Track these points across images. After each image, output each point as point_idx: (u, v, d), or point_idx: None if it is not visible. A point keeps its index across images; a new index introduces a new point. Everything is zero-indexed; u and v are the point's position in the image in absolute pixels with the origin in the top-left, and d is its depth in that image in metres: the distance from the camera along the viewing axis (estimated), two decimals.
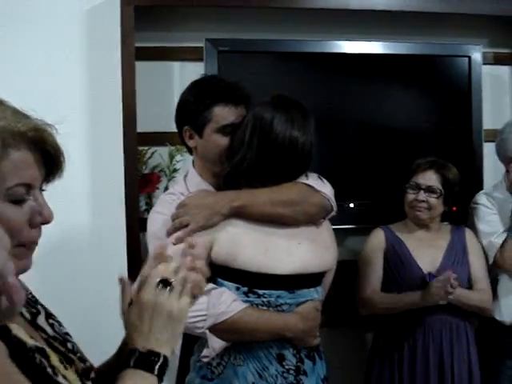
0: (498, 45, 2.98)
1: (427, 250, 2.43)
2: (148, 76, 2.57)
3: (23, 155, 0.95)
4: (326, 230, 1.87)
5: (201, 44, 2.54)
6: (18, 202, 0.95)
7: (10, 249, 0.80)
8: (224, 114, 1.86)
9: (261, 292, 1.70)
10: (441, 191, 2.39)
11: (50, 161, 1.01)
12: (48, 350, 0.95)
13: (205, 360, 1.70)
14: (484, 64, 2.82)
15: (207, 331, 1.68)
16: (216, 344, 1.68)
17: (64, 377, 0.94)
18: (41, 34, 2.52)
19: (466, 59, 2.78)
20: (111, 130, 2.46)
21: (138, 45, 2.48)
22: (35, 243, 1.00)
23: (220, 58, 2.52)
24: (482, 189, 2.71)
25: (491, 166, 2.82)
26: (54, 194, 1.06)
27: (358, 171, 2.75)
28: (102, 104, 2.57)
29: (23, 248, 0.97)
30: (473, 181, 2.72)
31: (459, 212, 2.54)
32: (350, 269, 2.50)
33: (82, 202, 2.59)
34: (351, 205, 2.70)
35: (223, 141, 1.87)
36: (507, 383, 2.48)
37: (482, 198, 2.55)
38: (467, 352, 2.37)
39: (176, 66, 2.67)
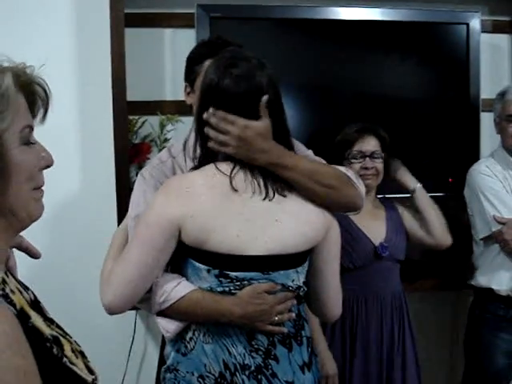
0: (497, 12, 2.94)
1: (372, 222, 2.39)
2: (138, 43, 2.52)
3: (22, 99, 0.96)
4: (312, 201, 1.65)
5: (192, 10, 2.48)
6: (28, 143, 0.95)
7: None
8: None
9: (233, 275, 1.57)
10: (382, 155, 2.37)
11: (36, 102, 1.00)
12: (62, 339, 0.95)
13: (168, 335, 1.66)
14: (482, 32, 2.78)
15: (156, 317, 1.65)
16: (170, 325, 1.64)
17: (75, 365, 0.95)
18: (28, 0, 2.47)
19: (465, 27, 2.74)
20: (100, 99, 2.43)
21: (127, 11, 2.42)
22: (42, 188, 1.00)
23: (212, 25, 2.47)
24: (478, 158, 2.69)
25: (488, 135, 2.79)
26: None
27: None
28: (91, 72, 2.53)
29: (38, 191, 0.98)
30: (470, 150, 2.70)
31: (455, 183, 2.51)
32: None
33: (73, 173, 2.57)
34: None
35: None
36: (502, 356, 2.48)
37: (481, 166, 2.53)
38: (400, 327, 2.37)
39: (167, 32, 2.62)
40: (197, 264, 1.59)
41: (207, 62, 1.75)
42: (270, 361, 1.60)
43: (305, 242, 1.62)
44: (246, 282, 1.57)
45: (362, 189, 1.78)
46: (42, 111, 1.01)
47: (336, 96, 2.70)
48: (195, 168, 1.62)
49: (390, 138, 2.58)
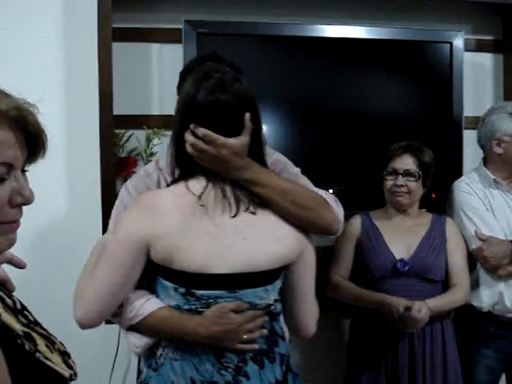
0: (480, 32, 2.98)
1: (403, 237, 2.42)
2: (125, 57, 2.53)
3: (4, 135, 0.95)
4: (285, 219, 1.62)
5: (179, 26, 2.50)
6: (1, 180, 0.95)
7: None
8: None
9: (198, 293, 1.56)
10: (418, 174, 2.39)
11: (32, 141, 1.00)
12: (34, 334, 0.95)
13: (136, 351, 1.67)
14: (466, 51, 2.81)
15: (126, 332, 1.67)
16: (137, 341, 1.65)
17: (50, 360, 0.95)
18: (16, 13, 2.48)
19: (448, 45, 2.77)
20: (87, 112, 2.44)
21: (115, 25, 2.44)
22: (16, 222, 1.00)
23: (199, 40, 2.49)
24: (461, 174, 2.71)
25: (470, 153, 2.82)
26: (29, 176, 1.04)
27: (339, 156, 2.75)
28: (78, 85, 2.54)
29: (5, 225, 0.98)
30: (452, 168, 2.73)
31: (438, 198, 2.53)
32: (329, 255, 2.52)
33: (58, 186, 2.57)
34: (330, 190, 2.68)
35: None
36: (483, 372, 2.49)
37: (462, 184, 2.55)
38: (442, 348, 2.36)
39: (154, 47, 2.64)
40: (164, 282, 1.59)
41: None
42: (240, 377, 1.58)
43: (275, 261, 1.59)
44: (212, 301, 1.56)
45: (340, 213, 1.75)
46: (40, 149, 1.02)
47: (322, 113, 2.72)
48: (172, 183, 1.63)
49: (374, 154, 2.62)
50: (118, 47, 2.47)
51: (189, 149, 1.55)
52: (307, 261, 1.67)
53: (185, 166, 1.60)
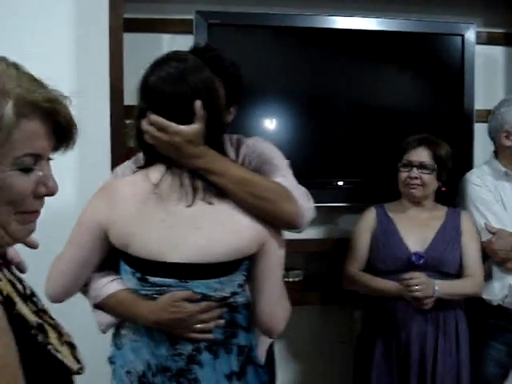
0: (492, 25, 2.96)
1: (418, 230, 2.43)
2: (136, 48, 2.52)
3: (35, 126, 0.96)
4: (244, 211, 1.59)
5: (191, 16, 2.50)
6: (25, 170, 0.96)
7: None
8: None
9: (151, 280, 1.58)
10: (433, 167, 2.39)
11: (62, 132, 1.01)
12: (46, 325, 0.96)
13: (101, 328, 1.72)
14: (477, 44, 2.80)
15: (93, 310, 1.72)
16: (102, 319, 1.70)
17: (60, 353, 0.96)
18: (28, 3, 2.47)
19: (460, 38, 2.76)
20: (98, 102, 2.43)
21: (126, 16, 2.44)
22: (37, 212, 1.01)
23: (210, 31, 2.48)
24: (471, 168, 2.71)
25: (481, 146, 2.81)
26: None
27: (349, 149, 2.74)
28: (89, 76, 2.53)
29: (26, 215, 0.99)
30: (463, 161, 2.72)
31: (448, 192, 2.52)
32: (344, 247, 2.54)
33: (69, 176, 2.57)
34: (340, 183, 2.69)
35: None
36: (492, 365, 2.50)
37: (472, 176, 2.55)
38: (455, 343, 2.37)
39: (165, 38, 2.63)
40: (124, 265, 1.63)
41: None
42: (193, 366, 1.60)
43: (230, 252, 1.57)
44: (164, 289, 1.58)
45: (307, 207, 1.71)
46: (67, 142, 1.03)
47: (333, 105, 2.72)
48: (138, 169, 1.66)
49: (385, 147, 2.62)
50: (129, 38, 2.46)
51: (146, 136, 1.57)
52: (270, 255, 1.63)
53: (147, 154, 1.63)
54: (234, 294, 1.62)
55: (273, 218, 1.64)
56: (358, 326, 2.60)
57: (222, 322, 1.62)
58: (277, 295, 1.68)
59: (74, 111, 2.45)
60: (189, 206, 1.55)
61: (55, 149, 1.03)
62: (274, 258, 1.64)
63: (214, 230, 1.56)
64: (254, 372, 1.69)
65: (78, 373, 1.00)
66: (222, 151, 1.64)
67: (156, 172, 1.59)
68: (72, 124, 1.02)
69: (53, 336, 0.97)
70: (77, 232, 1.65)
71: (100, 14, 2.39)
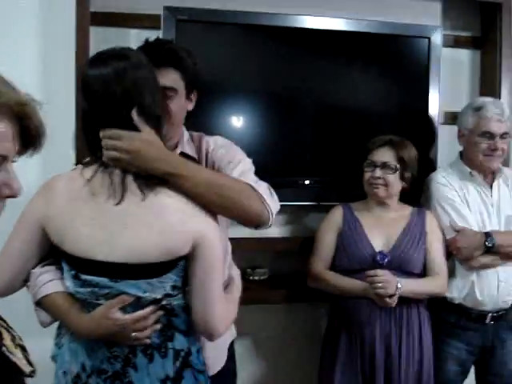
0: (459, 28, 3.00)
1: (383, 229, 2.45)
2: (103, 42, 2.47)
3: (3, 128, 0.96)
4: (174, 211, 1.55)
5: (159, 12, 2.48)
6: None
7: None
8: None
9: (83, 277, 1.58)
10: (396, 167, 2.41)
11: (29, 136, 1.01)
12: (1, 328, 0.95)
13: (42, 325, 1.71)
14: (443, 46, 2.83)
15: (34, 306, 1.71)
16: (43, 318, 1.69)
17: (14, 355, 0.96)
18: None
19: (426, 40, 2.79)
20: (65, 97, 2.39)
21: (93, 10, 2.42)
22: None
23: (178, 27, 2.46)
24: (435, 169, 2.74)
25: (446, 147, 2.85)
26: None
27: (316, 148, 2.75)
28: (56, 70, 2.49)
29: None
30: (427, 162, 2.75)
31: (412, 192, 2.55)
32: (310, 246, 2.55)
33: (33, 175, 2.52)
34: (306, 181, 2.70)
35: None
36: (453, 363, 2.53)
37: (438, 175, 2.59)
38: (419, 338, 2.40)
39: (132, 33, 2.61)
40: (62, 262, 1.64)
41: None
42: (128, 368, 1.60)
43: (157, 254, 1.54)
44: (96, 289, 1.57)
45: (273, 205, 1.71)
46: (34, 145, 1.03)
47: (299, 104, 2.72)
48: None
49: (350, 147, 2.64)
50: (95, 32, 2.44)
51: (104, 153, 1.55)
52: (204, 257, 1.57)
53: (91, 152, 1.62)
54: (167, 296, 1.59)
55: (240, 217, 1.66)
56: (323, 325, 2.61)
57: (158, 326, 1.61)
58: (213, 297, 1.60)
59: (40, 105, 2.41)
60: (117, 204, 1.53)
61: (20, 152, 1.03)
62: (210, 259, 1.58)
63: (140, 230, 1.52)
64: (191, 377, 1.66)
65: (30, 375, 0.99)
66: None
67: (90, 169, 1.58)
68: (41, 129, 1.02)
69: (7, 337, 0.96)
70: (18, 227, 1.65)
71: (67, 8, 2.36)
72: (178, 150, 1.91)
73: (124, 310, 1.57)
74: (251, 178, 1.76)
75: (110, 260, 1.53)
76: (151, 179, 1.54)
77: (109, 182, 1.54)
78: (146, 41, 1.86)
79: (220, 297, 1.63)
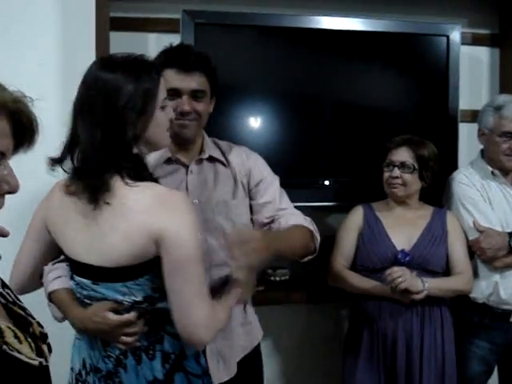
0: (477, 25, 2.99)
1: (404, 229, 2.44)
2: (122, 47, 2.46)
3: (2, 125, 0.98)
4: (137, 212, 1.50)
5: (177, 16, 2.50)
6: None
7: None
8: (169, 77, 1.82)
9: (76, 279, 1.63)
10: (414, 166, 2.40)
11: (23, 132, 1.03)
12: (3, 326, 0.95)
13: (57, 321, 1.76)
14: (462, 44, 2.81)
15: (48, 301, 1.77)
16: (55, 313, 1.75)
17: (18, 351, 0.95)
18: (13, 3, 2.46)
19: (445, 38, 2.78)
20: None
21: (112, 15, 2.44)
22: None
23: (197, 31, 2.48)
24: (456, 168, 2.73)
25: (466, 146, 2.83)
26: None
27: (335, 149, 2.76)
28: (76, 76, 2.50)
29: None
30: (448, 161, 2.73)
31: (433, 191, 2.54)
32: (330, 246, 2.54)
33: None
34: (326, 182, 2.70)
35: (169, 104, 1.85)
36: (477, 362, 2.52)
37: (460, 175, 2.57)
38: (441, 338, 2.39)
39: (151, 37, 2.63)
40: (66, 261, 1.70)
41: (165, 71, 1.77)
42: (119, 369, 1.61)
43: (126, 257, 1.51)
44: (84, 292, 1.61)
45: (317, 234, 2.04)
46: (28, 141, 1.05)
47: (318, 105, 2.72)
48: None
49: (370, 147, 2.63)
50: (115, 37, 2.46)
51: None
52: (168, 257, 1.50)
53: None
54: (149, 298, 1.57)
55: (303, 257, 2.00)
56: (345, 325, 2.61)
57: (145, 328, 1.60)
58: (187, 301, 1.51)
59: (60, 113, 2.43)
60: (93, 208, 1.51)
61: (15, 150, 1.05)
62: (174, 260, 1.49)
63: (108, 234, 1.52)
64: (183, 381, 1.63)
65: (41, 367, 0.99)
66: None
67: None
68: (35, 125, 1.03)
69: (9, 335, 0.96)
70: (29, 226, 1.74)
71: (86, 13, 2.37)
72: (206, 154, 1.98)
73: (117, 312, 1.59)
74: (288, 203, 2.07)
75: (90, 263, 1.56)
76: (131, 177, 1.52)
77: (83, 189, 1.54)
78: (171, 46, 1.94)
79: (198, 301, 1.51)
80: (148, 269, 1.53)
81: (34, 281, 1.77)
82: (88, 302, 1.63)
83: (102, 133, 1.49)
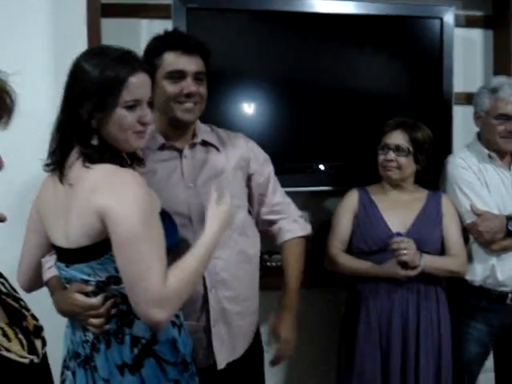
0: (471, 7, 2.97)
1: (400, 212, 2.45)
2: (114, 33, 2.49)
3: None
4: (87, 191, 1.50)
5: (169, 1, 2.47)
6: None
7: None
8: (172, 59, 1.88)
9: (57, 263, 1.66)
10: (408, 149, 2.40)
11: (2, 109, 1.02)
12: None
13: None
14: (456, 26, 2.80)
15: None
16: None
17: (7, 349, 0.94)
18: None
19: (438, 21, 2.76)
20: None
21: (103, 1, 2.42)
22: None
23: (189, 16, 2.45)
24: (451, 152, 2.73)
25: (460, 129, 2.82)
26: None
27: (330, 133, 2.74)
28: (67, 62, 2.48)
29: None
30: (442, 144, 2.72)
31: (428, 174, 2.54)
32: (326, 231, 2.56)
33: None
34: (321, 166, 2.70)
35: (170, 87, 1.89)
36: (474, 344, 2.53)
37: (456, 158, 2.56)
38: (437, 318, 2.41)
39: (143, 23, 2.60)
40: None
41: (166, 55, 1.86)
42: (94, 353, 1.61)
43: (83, 237, 1.52)
44: (61, 273, 1.65)
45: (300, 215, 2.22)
46: (6, 117, 1.03)
47: (310, 89, 2.70)
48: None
49: (364, 130, 2.63)
50: (106, 23, 2.44)
51: None
52: (113, 235, 1.47)
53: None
54: (112, 278, 1.56)
55: None
56: (341, 309, 2.61)
57: (113, 311, 1.60)
58: (132, 278, 1.47)
59: (51, 99, 2.41)
60: (64, 192, 1.56)
61: None
62: (117, 236, 1.46)
63: (67, 215, 1.55)
64: (153, 367, 1.60)
65: (31, 364, 0.98)
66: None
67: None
68: (14, 99, 1.02)
69: None
70: (28, 218, 1.76)
71: (77, 0, 2.36)
72: (199, 138, 2.00)
73: (87, 294, 1.61)
74: (283, 195, 2.20)
75: (61, 245, 1.59)
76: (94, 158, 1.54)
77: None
78: (165, 32, 1.97)
79: (144, 279, 1.45)
80: (107, 248, 1.50)
81: (40, 271, 1.79)
82: (67, 285, 1.65)
83: (62, 116, 1.56)
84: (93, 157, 1.53)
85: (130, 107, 1.55)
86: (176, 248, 1.65)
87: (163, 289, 1.45)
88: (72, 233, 1.53)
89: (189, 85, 1.88)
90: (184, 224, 1.89)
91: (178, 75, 1.88)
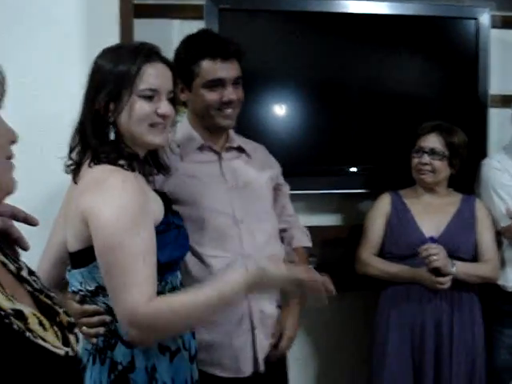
0: (506, 8, 2.91)
1: (433, 216, 2.43)
2: (146, 34, 2.47)
3: None
4: (78, 194, 1.47)
5: (201, 1, 2.47)
6: None
7: None
8: (210, 68, 1.87)
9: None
10: (443, 153, 2.38)
11: None
12: (27, 312, 0.92)
13: None
14: (492, 27, 2.76)
15: None
16: None
17: (43, 339, 0.92)
18: None
19: (474, 22, 2.72)
20: None
21: (136, 1, 2.42)
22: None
23: (221, 17, 2.46)
24: (486, 155, 2.69)
25: (496, 131, 2.78)
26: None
27: (363, 135, 2.72)
28: None
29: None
30: (477, 147, 2.68)
31: (462, 178, 2.50)
32: (358, 234, 2.55)
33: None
34: (353, 169, 2.67)
35: (210, 96, 1.89)
36: (506, 352, 2.49)
37: (492, 161, 2.53)
38: (470, 325, 2.38)
39: (175, 23, 2.60)
40: None
41: (204, 62, 1.85)
42: (88, 364, 1.54)
43: (74, 241, 1.49)
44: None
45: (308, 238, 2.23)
46: None
47: (345, 90, 2.69)
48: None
49: (398, 133, 2.59)
50: (139, 24, 2.44)
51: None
52: (96, 246, 1.41)
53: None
54: (101, 288, 1.48)
55: None
56: (373, 313, 2.59)
57: (101, 330, 1.53)
58: (111, 290, 1.42)
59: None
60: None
61: None
62: (99, 243, 1.40)
63: (67, 215, 1.53)
64: None
65: (66, 357, 0.97)
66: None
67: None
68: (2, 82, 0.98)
69: (33, 321, 0.93)
70: (56, 217, 1.71)
71: (110, 1, 2.37)
72: (236, 143, 2.02)
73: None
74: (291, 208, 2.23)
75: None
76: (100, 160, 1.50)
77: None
78: (197, 33, 1.97)
79: (121, 293, 1.38)
80: (91, 256, 1.44)
81: (61, 270, 1.70)
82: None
83: (80, 115, 1.53)
84: (99, 157, 1.48)
85: (147, 97, 1.49)
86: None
87: (140, 308, 1.36)
88: (68, 235, 1.52)
89: (229, 93, 1.88)
90: (228, 224, 1.91)
91: (215, 83, 1.88)
